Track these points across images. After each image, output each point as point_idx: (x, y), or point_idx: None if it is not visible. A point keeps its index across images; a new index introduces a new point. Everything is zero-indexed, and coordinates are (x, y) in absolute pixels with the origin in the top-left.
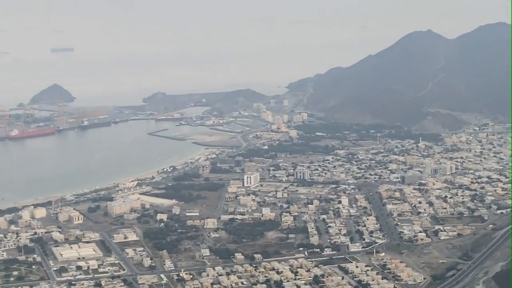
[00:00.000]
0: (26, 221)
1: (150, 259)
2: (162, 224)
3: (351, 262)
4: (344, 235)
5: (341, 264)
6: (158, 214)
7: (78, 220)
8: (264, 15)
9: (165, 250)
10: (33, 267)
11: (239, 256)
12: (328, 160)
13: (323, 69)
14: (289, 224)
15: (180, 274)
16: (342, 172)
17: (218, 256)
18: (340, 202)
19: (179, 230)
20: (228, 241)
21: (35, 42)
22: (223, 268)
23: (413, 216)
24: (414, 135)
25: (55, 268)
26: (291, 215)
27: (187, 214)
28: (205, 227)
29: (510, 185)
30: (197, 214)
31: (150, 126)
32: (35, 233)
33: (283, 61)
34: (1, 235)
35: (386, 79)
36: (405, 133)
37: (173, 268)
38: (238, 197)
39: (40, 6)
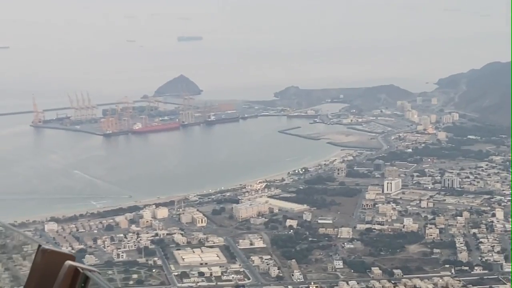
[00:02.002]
0: (147, 221)
1: (278, 269)
2: (291, 231)
3: (505, 284)
4: (498, 252)
5: (493, 286)
6: (288, 220)
7: (202, 222)
8: (413, 2)
9: (294, 260)
10: (153, 270)
11: (376, 270)
12: (482, 167)
13: (478, 64)
14: (434, 238)
15: (310, 287)
16: (497, 181)
17: (352, 269)
18: (494, 215)
19: (310, 239)
20: (364, 253)
21: (161, 30)
22: (358, 283)
23: None
24: None
25: (176, 273)
26: (437, 228)
27: (319, 221)
28: (338, 236)
29: None
30: (331, 221)
31: (281, 123)
32: (156, 234)
33: (432, 54)
34: (121, 235)
35: None
36: None
37: (302, 280)
38: (376, 205)
39: None
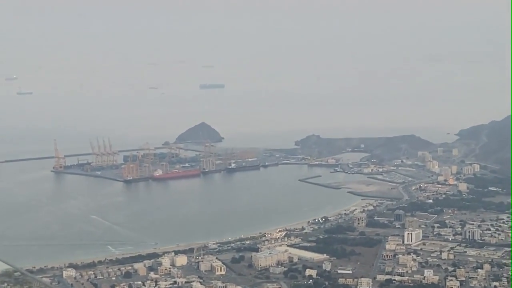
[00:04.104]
0: (166, 269)
1: None
2: (311, 280)
3: None
4: None
5: None
6: (307, 270)
7: (221, 270)
8: (435, 53)
9: None
10: None
11: None
12: (503, 219)
13: (499, 116)
14: None
15: None
16: None
17: None
18: None
19: None
20: None
21: (184, 77)
22: None
23: None
24: None
25: None
26: (458, 280)
27: (339, 271)
28: (358, 287)
29: None
30: (350, 272)
31: (302, 171)
32: (175, 282)
33: (454, 105)
34: (139, 282)
35: None
36: None
37: None
38: (397, 256)
39: (192, 40)
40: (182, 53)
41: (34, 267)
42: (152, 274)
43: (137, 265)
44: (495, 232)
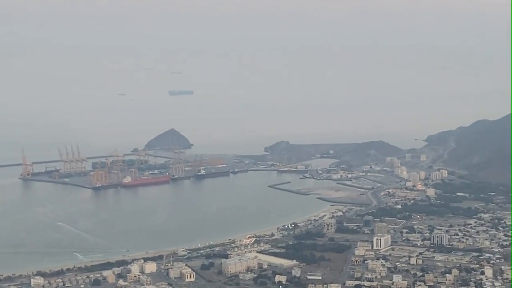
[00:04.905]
0: (135, 276)
1: None
2: (280, 287)
3: None
4: None
5: None
6: (277, 276)
7: (190, 277)
8: (406, 61)
9: None
10: None
11: None
12: (470, 224)
13: (467, 122)
14: None
15: None
16: (486, 239)
17: None
18: (483, 273)
19: None
20: None
21: (153, 84)
22: None
23: None
24: None
25: None
26: (426, 285)
27: (309, 277)
28: None
29: None
30: (320, 277)
31: (271, 177)
32: None
33: (422, 111)
34: None
35: None
36: None
37: None
38: (366, 261)
39: (161, 46)
40: (150, 59)
41: (2, 275)
42: (121, 282)
43: (106, 273)
44: (463, 237)
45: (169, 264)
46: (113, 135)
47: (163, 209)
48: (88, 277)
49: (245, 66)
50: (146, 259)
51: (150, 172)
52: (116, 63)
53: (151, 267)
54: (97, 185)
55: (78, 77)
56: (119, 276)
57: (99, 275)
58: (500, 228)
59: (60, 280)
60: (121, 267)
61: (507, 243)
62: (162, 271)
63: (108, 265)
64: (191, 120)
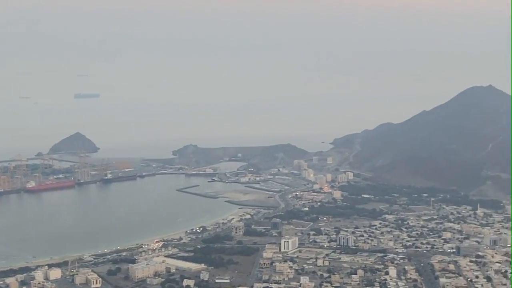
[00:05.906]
0: (39, 283)
1: None
2: None
3: None
4: None
5: None
6: (185, 280)
7: (96, 283)
8: (312, 64)
9: None
10: None
11: None
12: (375, 225)
13: (372, 125)
14: None
15: None
16: (390, 240)
17: None
18: (387, 273)
19: None
20: None
21: (58, 87)
22: None
23: None
24: (471, 201)
25: None
26: (333, 286)
27: (217, 280)
28: None
29: None
30: (228, 281)
31: (179, 181)
32: None
33: (328, 114)
34: None
35: (442, 137)
36: (461, 199)
37: None
38: (273, 264)
39: (65, 49)
40: (55, 62)
41: None
42: None
43: (8, 280)
44: (368, 238)
45: (74, 270)
46: (16, 139)
47: (68, 214)
48: None
49: (155, 68)
50: (50, 266)
51: (55, 176)
52: (18, 65)
53: (55, 273)
54: None
55: None
56: (23, 283)
57: (1, 282)
58: (404, 229)
59: None
60: (25, 274)
61: (410, 243)
62: (67, 277)
63: (10, 272)
64: (97, 123)
